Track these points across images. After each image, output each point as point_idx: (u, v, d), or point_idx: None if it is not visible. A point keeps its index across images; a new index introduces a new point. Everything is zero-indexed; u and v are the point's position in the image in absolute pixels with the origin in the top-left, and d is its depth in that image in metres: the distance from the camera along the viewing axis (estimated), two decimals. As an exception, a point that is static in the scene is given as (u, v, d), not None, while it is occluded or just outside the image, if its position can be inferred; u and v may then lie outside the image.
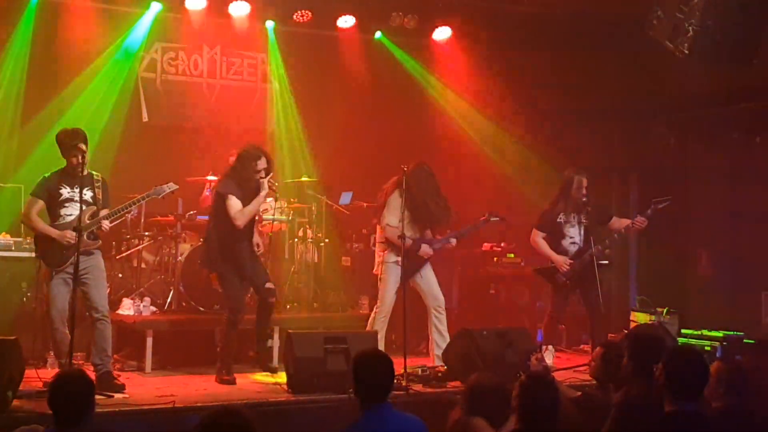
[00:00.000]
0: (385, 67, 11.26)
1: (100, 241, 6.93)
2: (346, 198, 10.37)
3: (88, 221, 6.70)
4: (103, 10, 9.86)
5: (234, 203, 7.36)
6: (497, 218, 8.33)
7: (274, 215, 9.24)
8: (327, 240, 9.94)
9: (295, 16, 10.52)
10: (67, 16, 9.62)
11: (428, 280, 8.07)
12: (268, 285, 7.65)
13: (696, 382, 4.32)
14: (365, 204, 9.88)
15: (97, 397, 6.22)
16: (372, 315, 8.07)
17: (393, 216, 7.87)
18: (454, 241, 8.23)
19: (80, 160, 6.59)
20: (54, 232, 6.71)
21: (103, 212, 6.85)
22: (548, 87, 10.57)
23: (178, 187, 7.32)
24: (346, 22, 10.80)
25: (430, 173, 8.02)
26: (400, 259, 7.80)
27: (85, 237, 6.59)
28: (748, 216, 9.57)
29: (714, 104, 9.75)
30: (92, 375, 6.74)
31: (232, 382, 7.24)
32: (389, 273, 7.92)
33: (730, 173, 9.92)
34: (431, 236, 8.19)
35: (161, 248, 9.00)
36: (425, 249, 7.98)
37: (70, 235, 6.61)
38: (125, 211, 7.05)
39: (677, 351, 4.85)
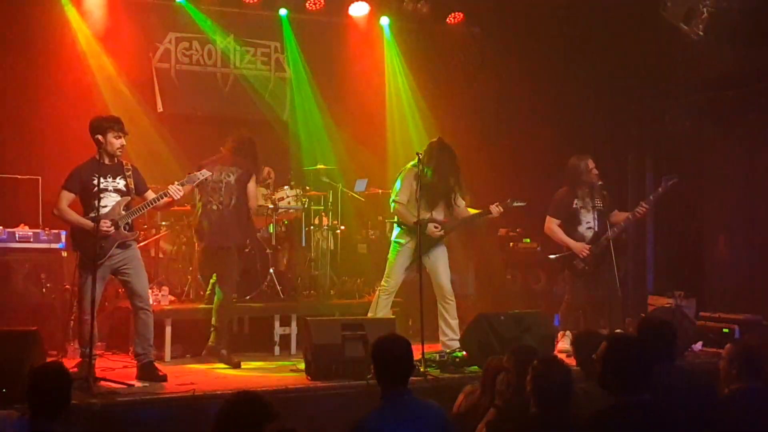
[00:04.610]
0: (397, 53, 11.28)
1: (138, 233, 6.89)
2: (361, 185, 10.38)
3: (123, 212, 6.59)
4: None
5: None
6: (521, 203, 7.97)
7: (289, 203, 9.28)
8: (343, 227, 9.97)
9: (307, 4, 10.56)
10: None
11: (436, 267, 7.85)
12: None
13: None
14: (380, 191, 9.89)
15: (137, 384, 6.39)
16: (376, 293, 7.96)
17: (402, 192, 7.82)
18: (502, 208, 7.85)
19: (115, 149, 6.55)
20: (88, 224, 6.48)
21: (149, 194, 6.80)
22: (563, 70, 10.51)
23: (211, 173, 7.28)
24: (358, 9, 10.81)
25: (444, 148, 7.75)
26: (406, 240, 7.77)
27: (121, 228, 6.53)
28: (765, 198, 9.50)
29: (729, 86, 9.66)
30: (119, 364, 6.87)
31: None
32: (395, 251, 7.88)
33: (746, 155, 9.85)
34: (463, 214, 7.98)
35: (178, 237, 9.05)
36: (431, 228, 7.72)
37: (106, 225, 6.48)
38: (161, 199, 6.80)
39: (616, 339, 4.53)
